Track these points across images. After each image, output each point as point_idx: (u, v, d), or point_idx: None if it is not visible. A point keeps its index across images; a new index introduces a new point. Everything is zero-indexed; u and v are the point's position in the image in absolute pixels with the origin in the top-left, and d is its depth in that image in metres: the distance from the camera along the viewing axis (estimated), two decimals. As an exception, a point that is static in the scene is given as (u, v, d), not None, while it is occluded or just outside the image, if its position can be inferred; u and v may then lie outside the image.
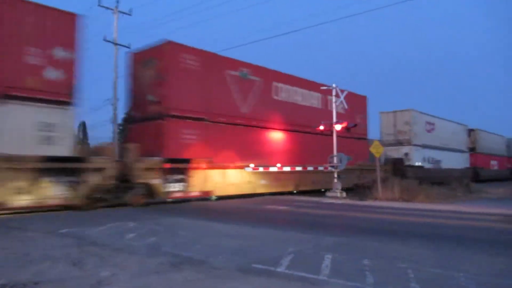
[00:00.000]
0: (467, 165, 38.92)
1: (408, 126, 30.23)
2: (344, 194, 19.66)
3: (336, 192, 19.75)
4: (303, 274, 5.08)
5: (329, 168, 20.43)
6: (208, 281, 4.79)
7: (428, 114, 33.67)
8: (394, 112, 30.70)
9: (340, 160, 20.24)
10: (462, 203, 16.91)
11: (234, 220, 10.76)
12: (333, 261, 5.72)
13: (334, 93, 21.78)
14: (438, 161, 32.98)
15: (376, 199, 17.87)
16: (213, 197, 17.23)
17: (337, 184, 20.01)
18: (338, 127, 20.82)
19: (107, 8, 22.14)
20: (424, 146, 31.04)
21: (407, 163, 28.83)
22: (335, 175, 20.19)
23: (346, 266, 5.49)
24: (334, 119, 21.11)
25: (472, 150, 41.16)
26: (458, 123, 38.98)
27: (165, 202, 15.59)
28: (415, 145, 30.05)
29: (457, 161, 36.78)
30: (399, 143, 30.26)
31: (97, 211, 12.72)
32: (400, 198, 17.42)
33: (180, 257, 6.00)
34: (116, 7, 22.21)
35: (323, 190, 21.40)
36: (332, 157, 20.48)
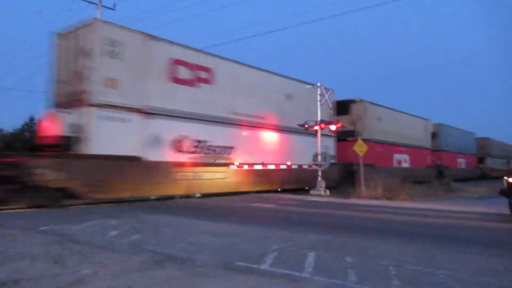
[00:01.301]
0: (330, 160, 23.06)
1: (88, 60, 13.69)
2: (328, 192, 19.82)
3: (320, 190, 19.89)
4: (286, 271, 5.11)
5: (314, 167, 20.55)
6: (191, 279, 4.78)
7: (183, 46, 16.61)
8: (76, 31, 14.60)
9: (324, 158, 20.36)
10: (442, 201, 17.23)
11: (218, 217, 10.74)
12: (316, 259, 5.77)
13: (319, 91, 21.82)
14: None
15: (359, 197, 18.07)
16: (197, 195, 17.17)
17: (321, 182, 20.14)
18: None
19: (90, 2, 21.82)
20: (157, 113, 15.10)
21: (83, 147, 13.35)
22: (319, 174, 20.31)
23: (329, 264, 5.54)
24: (319, 118, 21.17)
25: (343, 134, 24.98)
26: (288, 79, 21.77)
27: (149, 199, 15.48)
28: (113, 106, 13.87)
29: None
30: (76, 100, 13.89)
31: (79, 208, 12.53)
32: (383, 196, 17.65)
33: (163, 254, 5.96)
34: (100, 1, 21.89)
35: (307, 188, 21.54)
36: (316, 156, 20.58)
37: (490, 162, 47.94)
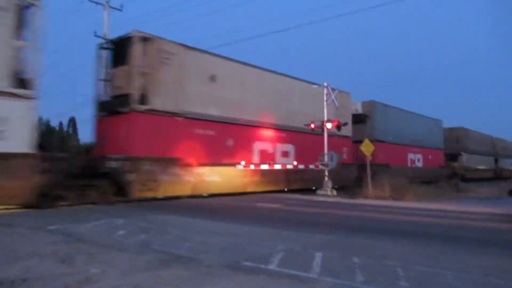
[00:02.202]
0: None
1: None
2: (334, 192, 19.75)
3: (327, 190, 19.81)
4: (293, 271, 5.10)
5: (320, 167, 20.48)
6: (197, 279, 4.78)
7: None
8: None
9: (331, 158, 20.28)
10: (450, 202, 17.11)
11: (224, 217, 10.74)
12: (323, 259, 5.75)
13: (325, 91, 21.68)
14: None
15: (366, 197, 17.99)
16: (204, 194, 17.20)
17: (327, 182, 20.07)
18: (329, 125, 20.60)
19: (98, 3, 21.96)
20: None
21: None
22: (326, 173, 20.24)
23: (336, 264, 5.52)
24: (325, 117, 21.05)
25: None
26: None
27: (155, 199, 15.54)
28: None
29: None
30: None
31: (86, 207, 12.61)
32: (390, 197, 17.57)
33: (169, 254, 5.97)
34: (107, 2, 22.03)
35: (314, 188, 21.46)
36: (323, 155, 20.49)
37: (466, 160, 36.37)
